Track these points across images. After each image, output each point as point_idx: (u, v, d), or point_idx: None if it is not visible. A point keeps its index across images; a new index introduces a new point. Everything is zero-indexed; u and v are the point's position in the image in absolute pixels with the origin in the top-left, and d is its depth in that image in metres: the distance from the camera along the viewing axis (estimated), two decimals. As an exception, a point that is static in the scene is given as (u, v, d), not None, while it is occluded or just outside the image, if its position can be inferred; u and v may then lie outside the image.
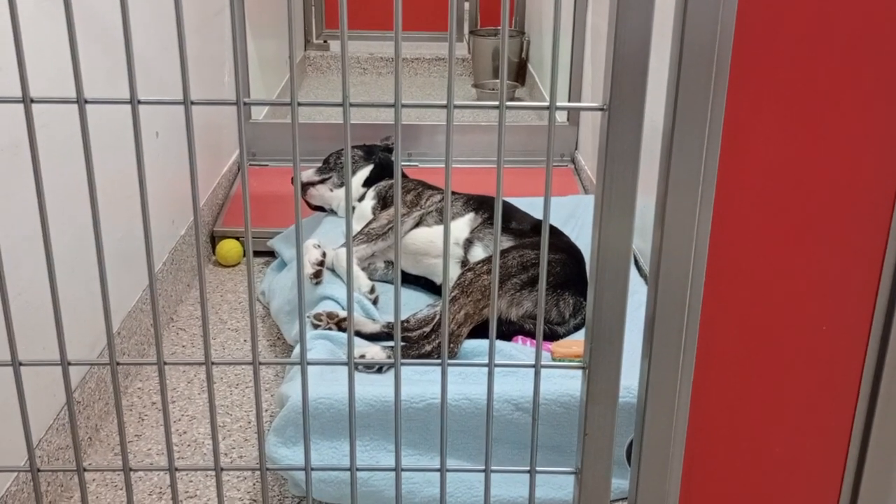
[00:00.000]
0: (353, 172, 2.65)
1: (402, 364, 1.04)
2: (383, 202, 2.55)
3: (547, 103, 0.91)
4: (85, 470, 1.06)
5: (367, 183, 2.64)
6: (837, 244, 1.05)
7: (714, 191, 0.97)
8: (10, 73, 1.51)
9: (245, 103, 0.88)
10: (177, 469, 1.07)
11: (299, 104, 0.89)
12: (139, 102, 0.89)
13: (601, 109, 0.91)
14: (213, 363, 1.01)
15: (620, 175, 0.93)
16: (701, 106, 0.93)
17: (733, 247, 1.05)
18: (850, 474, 1.14)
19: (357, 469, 1.07)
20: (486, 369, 1.03)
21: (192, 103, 0.88)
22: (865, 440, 1.12)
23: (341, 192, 2.67)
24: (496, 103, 0.90)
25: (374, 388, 1.69)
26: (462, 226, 2.31)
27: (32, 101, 0.89)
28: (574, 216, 2.66)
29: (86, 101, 0.89)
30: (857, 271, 1.06)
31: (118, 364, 1.01)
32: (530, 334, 2.04)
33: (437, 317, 2.02)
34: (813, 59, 0.98)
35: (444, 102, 0.88)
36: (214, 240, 2.86)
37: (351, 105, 0.88)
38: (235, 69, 0.89)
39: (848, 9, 0.96)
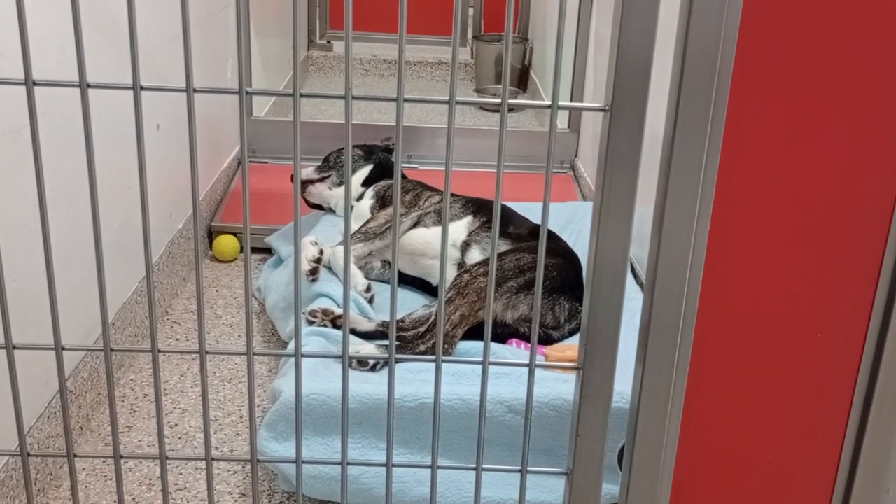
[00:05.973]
0: (353, 171, 2.65)
1: (397, 361, 1.04)
2: (382, 202, 2.55)
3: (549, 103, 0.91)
4: (75, 456, 1.06)
5: (367, 182, 2.64)
6: (834, 254, 1.05)
7: (712, 200, 0.98)
8: (11, 59, 1.51)
9: (247, 92, 0.88)
10: (167, 458, 1.06)
11: (301, 95, 0.89)
12: (141, 88, 0.89)
13: (603, 110, 0.91)
14: (206, 352, 1.01)
15: (620, 177, 0.93)
16: (702, 115, 0.94)
17: (730, 256, 1.05)
18: (842, 482, 1.14)
19: (348, 464, 1.07)
20: (479, 371, 1.03)
21: (195, 91, 0.88)
22: (858, 448, 1.12)
23: (340, 190, 2.67)
24: (498, 100, 0.90)
25: (367, 386, 1.68)
26: (460, 228, 2.30)
27: (35, 83, 0.89)
28: (572, 222, 2.66)
29: (88, 86, 0.89)
30: (854, 281, 1.06)
31: (112, 350, 1.00)
32: (525, 338, 2.04)
33: (433, 317, 2.02)
34: (815, 69, 0.98)
35: (447, 98, 0.88)
36: (212, 235, 2.86)
37: (353, 98, 0.88)
38: (239, 59, 0.89)
39: (850, 20, 0.96)
